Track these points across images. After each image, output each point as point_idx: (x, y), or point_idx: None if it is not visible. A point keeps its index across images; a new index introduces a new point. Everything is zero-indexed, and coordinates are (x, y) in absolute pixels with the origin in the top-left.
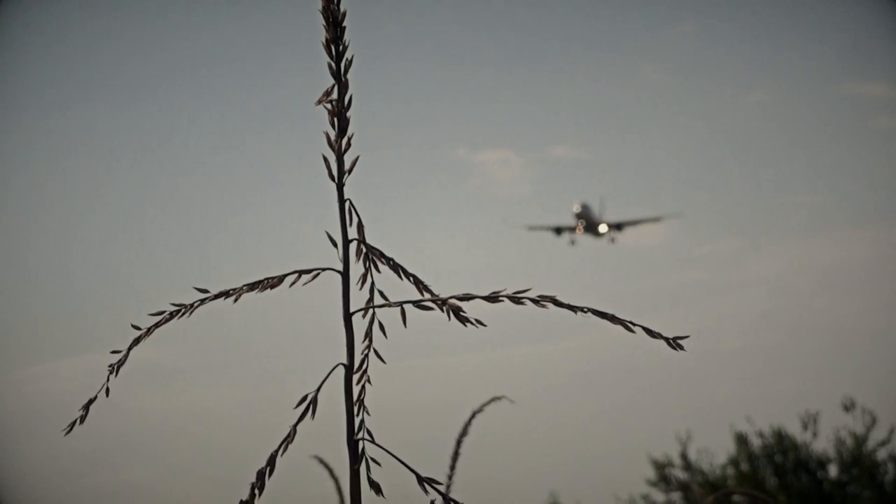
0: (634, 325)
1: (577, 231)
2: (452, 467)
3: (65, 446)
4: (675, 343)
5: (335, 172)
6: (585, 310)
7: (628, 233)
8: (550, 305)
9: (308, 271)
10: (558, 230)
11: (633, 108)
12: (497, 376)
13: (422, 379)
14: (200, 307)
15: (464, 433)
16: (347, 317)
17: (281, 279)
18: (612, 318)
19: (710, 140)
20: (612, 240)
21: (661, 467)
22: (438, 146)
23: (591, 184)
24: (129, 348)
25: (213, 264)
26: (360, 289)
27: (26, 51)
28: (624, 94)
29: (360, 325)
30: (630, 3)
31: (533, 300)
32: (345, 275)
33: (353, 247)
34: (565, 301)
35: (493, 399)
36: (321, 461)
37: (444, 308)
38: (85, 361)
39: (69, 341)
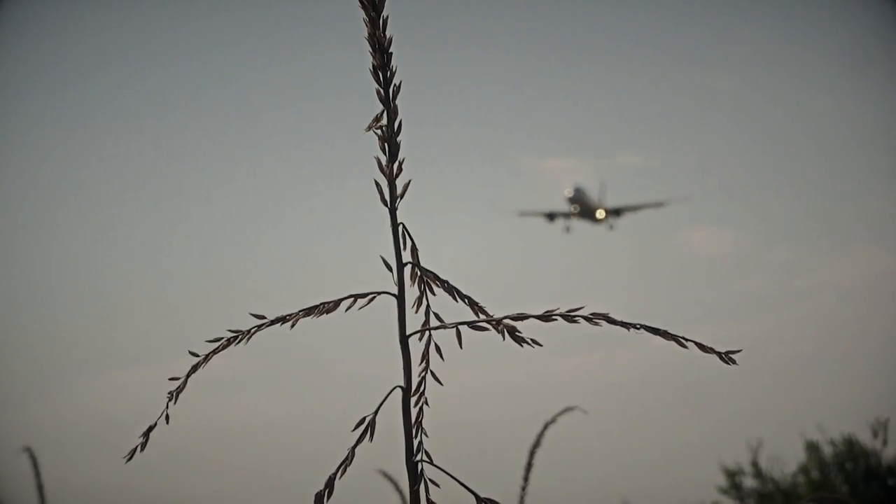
0: (687, 340)
1: (571, 217)
2: (526, 478)
3: (121, 459)
4: (727, 357)
5: (387, 197)
6: (639, 326)
7: (697, 241)
8: (604, 323)
9: (363, 295)
10: (551, 216)
11: (700, 114)
12: (561, 387)
13: (480, 395)
14: (257, 333)
15: (537, 444)
16: (403, 340)
17: (337, 304)
18: (665, 334)
19: (777, 147)
20: (611, 227)
21: (732, 475)
22: (505, 155)
23: (658, 190)
24: (188, 376)
25: (270, 289)
26: (416, 311)
27: (55, 49)
28: (690, 101)
29: (416, 347)
30: (696, 11)
31: (586, 318)
32: (400, 298)
33: (407, 270)
34: (618, 318)
35: (566, 410)
36: (386, 475)
37: (500, 328)
38: (147, 372)
39: (129, 355)
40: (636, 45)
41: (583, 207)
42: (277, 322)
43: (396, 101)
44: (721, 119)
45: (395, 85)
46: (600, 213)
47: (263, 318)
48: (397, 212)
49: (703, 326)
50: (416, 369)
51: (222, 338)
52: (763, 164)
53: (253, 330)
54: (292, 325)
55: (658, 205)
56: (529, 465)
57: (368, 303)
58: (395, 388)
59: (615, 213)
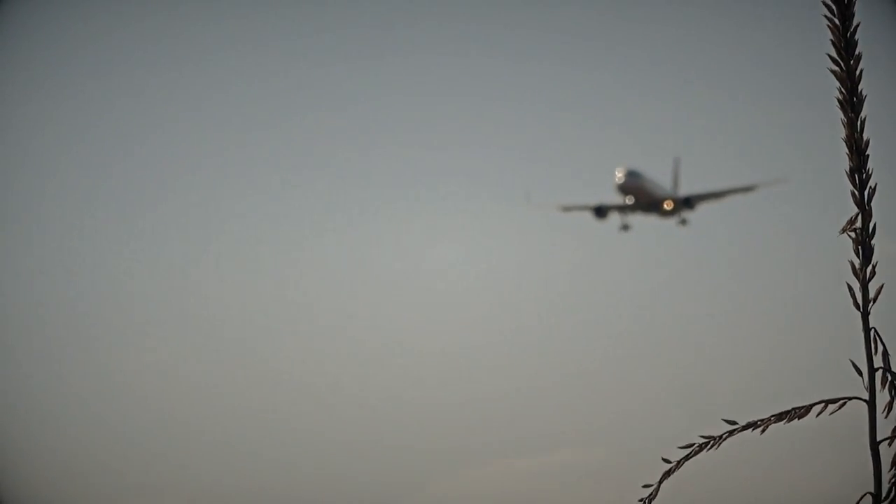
0: None
1: (626, 210)
2: None
3: None
4: None
5: (860, 301)
6: None
7: None
8: None
9: (835, 401)
10: (600, 210)
11: None
12: None
13: None
14: (729, 439)
15: None
16: (874, 445)
17: (808, 409)
18: None
19: None
20: (683, 221)
21: None
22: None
23: None
24: (660, 482)
25: (736, 393)
26: (886, 417)
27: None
28: None
29: (886, 454)
30: None
31: None
32: (871, 403)
33: (878, 375)
34: None
35: None
36: None
37: None
38: None
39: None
40: None
41: (640, 198)
42: (748, 428)
43: (872, 204)
44: None
45: (870, 187)
46: (668, 204)
47: (735, 423)
48: (869, 316)
49: None
50: (886, 475)
51: (694, 444)
52: None
53: (724, 435)
54: (763, 431)
55: (747, 189)
56: None
57: (839, 408)
58: (865, 494)
59: (686, 202)
